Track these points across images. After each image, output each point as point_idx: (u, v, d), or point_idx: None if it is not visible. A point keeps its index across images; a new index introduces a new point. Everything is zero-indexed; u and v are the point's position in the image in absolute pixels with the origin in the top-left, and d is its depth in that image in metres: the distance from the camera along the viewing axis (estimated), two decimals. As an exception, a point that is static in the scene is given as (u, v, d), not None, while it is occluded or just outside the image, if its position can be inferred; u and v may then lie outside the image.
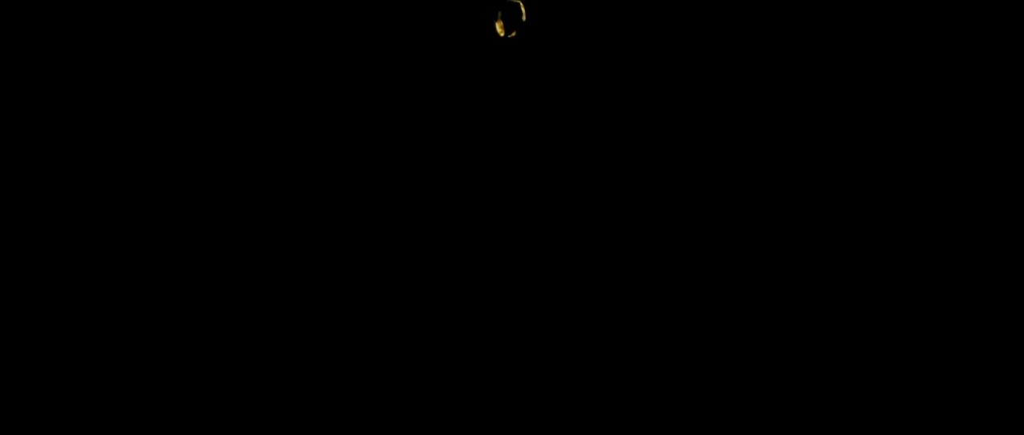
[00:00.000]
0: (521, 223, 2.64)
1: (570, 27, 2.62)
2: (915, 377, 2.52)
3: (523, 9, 2.50)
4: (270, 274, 2.63)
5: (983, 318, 2.53)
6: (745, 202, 2.62)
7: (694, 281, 2.60)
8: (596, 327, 2.60)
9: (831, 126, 2.61)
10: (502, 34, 2.51)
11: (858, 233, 2.60)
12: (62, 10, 2.58)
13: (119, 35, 2.61)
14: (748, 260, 2.61)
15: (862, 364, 2.54)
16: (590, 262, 2.63)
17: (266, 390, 2.57)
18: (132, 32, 2.61)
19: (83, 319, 2.56)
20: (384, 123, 2.66)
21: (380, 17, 2.64)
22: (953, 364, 2.52)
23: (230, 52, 2.62)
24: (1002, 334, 2.51)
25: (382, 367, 2.59)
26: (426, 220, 2.63)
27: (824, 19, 2.60)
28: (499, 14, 2.51)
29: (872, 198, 2.60)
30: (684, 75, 2.63)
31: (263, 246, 2.63)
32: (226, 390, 2.56)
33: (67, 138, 2.58)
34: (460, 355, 2.59)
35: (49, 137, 2.57)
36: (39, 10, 2.58)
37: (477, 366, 2.59)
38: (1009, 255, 2.53)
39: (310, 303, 2.62)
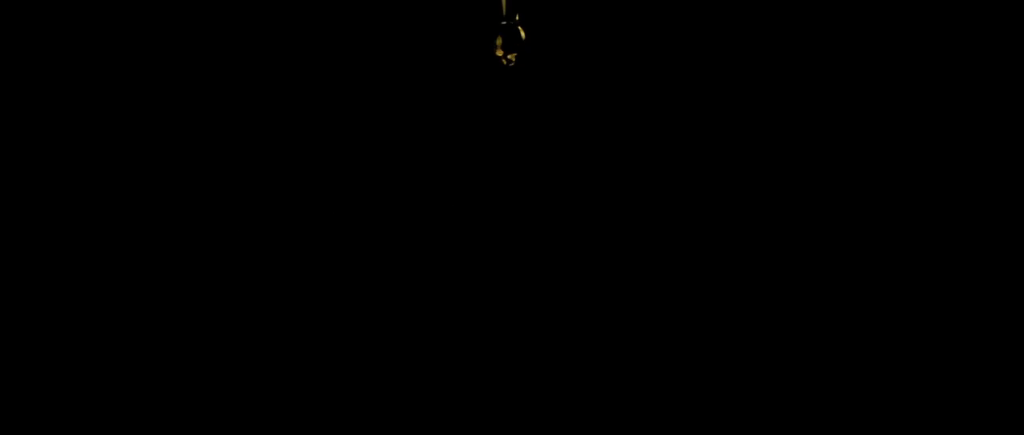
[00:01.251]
0: (522, 240, 2.65)
1: (569, 49, 2.64)
2: (915, 377, 2.54)
3: (521, 32, 2.52)
4: (267, 290, 2.65)
5: (983, 318, 2.54)
6: (738, 231, 2.63)
7: (682, 305, 2.62)
8: (580, 351, 2.61)
9: (822, 156, 2.62)
10: (501, 55, 2.52)
11: (860, 235, 2.60)
12: (62, 10, 2.60)
13: (119, 35, 2.63)
14: (738, 289, 2.62)
15: (862, 364, 2.56)
16: (586, 281, 2.64)
17: (266, 390, 2.58)
18: (132, 32, 2.63)
19: (83, 319, 2.58)
20: (386, 140, 2.68)
21: (383, 38, 2.67)
22: (953, 364, 2.53)
23: (235, 63, 2.65)
24: (1002, 334, 2.53)
25: (374, 375, 2.61)
26: (427, 237, 2.64)
27: (819, 47, 2.62)
28: (499, 37, 2.52)
29: (874, 199, 2.61)
30: (682, 96, 2.65)
31: (263, 269, 2.65)
32: (226, 390, 2.58)
33: (67, 138, 2.59)
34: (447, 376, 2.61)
35: (49, 137, 2.59)
36: (39, 10, 2.59)
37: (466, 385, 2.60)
38: (1009, 255, 2.54)
39: (307, 317, 2.63)
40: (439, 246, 2.64)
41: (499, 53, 2.53)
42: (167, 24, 2.63)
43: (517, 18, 2.56)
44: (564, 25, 2.64)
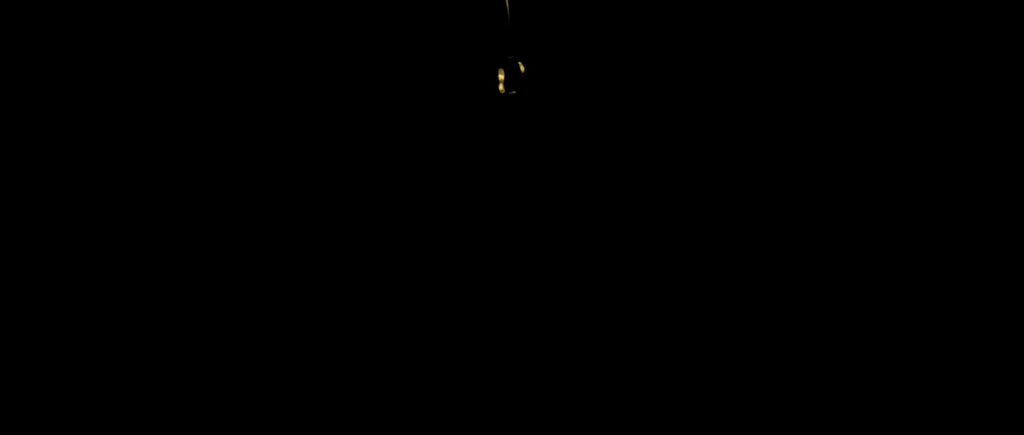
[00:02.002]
0: (520, 271, 2.64)
1: (567, 82, 2.64)
2: (915, 377, 2.47)
3: (521, 67, 2.53)
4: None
5: (983, 318, 2.48)
6: (732, 266, 2.61)
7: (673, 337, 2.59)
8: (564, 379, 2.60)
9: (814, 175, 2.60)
10: (503, 90, 2.53)
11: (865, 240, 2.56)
12: (62, 10, 2.54)
13: (119, 35, 2.57)
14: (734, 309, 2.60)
15: (862, 364, 2.49)
16: (585, 311, 2.62)
17: (266, 390, 2.52)
18: (133, 32, 2.58)
19: (83, 319, 2.52)
20: (387, 166, 2.65)
21: (387, 67, 2.66)
22: (953, 364, 2.46)
23: (237, 96, 2.62)
24: (1002, 334, 2.46)
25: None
26: (427, 266, 2.63)
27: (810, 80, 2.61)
28: (500, 71, 2.53)
29: (874, 201, 2.56)
30: (679, 128, 2.64)
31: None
32: (226, 390, 2.51)
33: (67, 138, 2.54)
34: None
35: (49, 137, 2.53)
36: (39, 10, 2.53)
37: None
38: (1009, 255, 2.48)
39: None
40: (439, 274, 2.61)
41: (501, 87, 2.55)
42: (166, 32, 2.59)
43: (513, 57, 2.57)
44: (565, 58, 2.62)
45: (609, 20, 2.63)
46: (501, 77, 2.54)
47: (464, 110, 2.63)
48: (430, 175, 2.64)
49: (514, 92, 2.54)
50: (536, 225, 2.64)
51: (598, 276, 2.61)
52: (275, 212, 2.61)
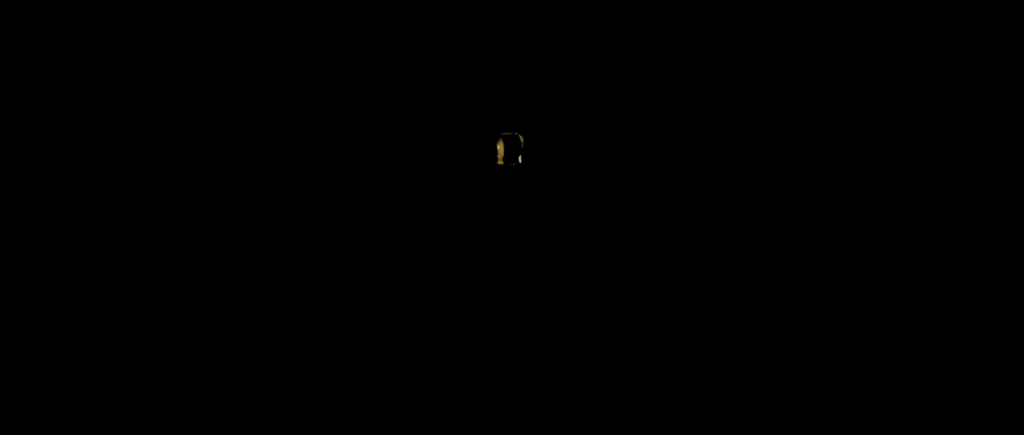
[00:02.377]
0: (517, 339, 2.68)
1: (567, 156, 2.67)
2: (915, 377, 2.51)
3: (521, 140, 2.56)
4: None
5: (983, 318, 2.51)
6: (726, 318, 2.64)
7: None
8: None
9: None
10: (502, 163, 2.57)
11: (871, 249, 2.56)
12: (62, 10, 2.58)
13: (120, 35, 2.62)
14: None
15: (862, 364, 2.54)
16: (576, 379, 2.65)
17: (265, 390, 2.57)
18: (134, 34, 2.62)
19: (83, 319, 2.53)
20: (389, 223, 2.70)
21: (386, 135, 2.70)
22: (953, 364, 2.51)
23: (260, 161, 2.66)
24: (1002, 334, 2.52)
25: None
26: (427, 329, 2.68)
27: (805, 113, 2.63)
28: (500, 143, 2.57)
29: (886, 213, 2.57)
30: (681, 202, 2.68)
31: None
32: (226, 390, 2.56)
33: (67, 138, 2.56)
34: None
35: (49, 137, 2.54)
36: (39, 10, 2.58)
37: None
38: (1009, 255, 2.51)
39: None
40: (429, 350, 2.64)
41: (500, 160, 2.60)
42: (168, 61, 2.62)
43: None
44: (567, 131, 2.66)
45: (611, 93, 2.66)
46: (500, 149, 2.59)
47: (462, 181, 2.68)
48: (427, 247, 2.65)
49: (513, 164, 2.58)
50: (536, 298, 2.67)
51: (597, 354, 2.64)
52: (263, 277, 2.62)
